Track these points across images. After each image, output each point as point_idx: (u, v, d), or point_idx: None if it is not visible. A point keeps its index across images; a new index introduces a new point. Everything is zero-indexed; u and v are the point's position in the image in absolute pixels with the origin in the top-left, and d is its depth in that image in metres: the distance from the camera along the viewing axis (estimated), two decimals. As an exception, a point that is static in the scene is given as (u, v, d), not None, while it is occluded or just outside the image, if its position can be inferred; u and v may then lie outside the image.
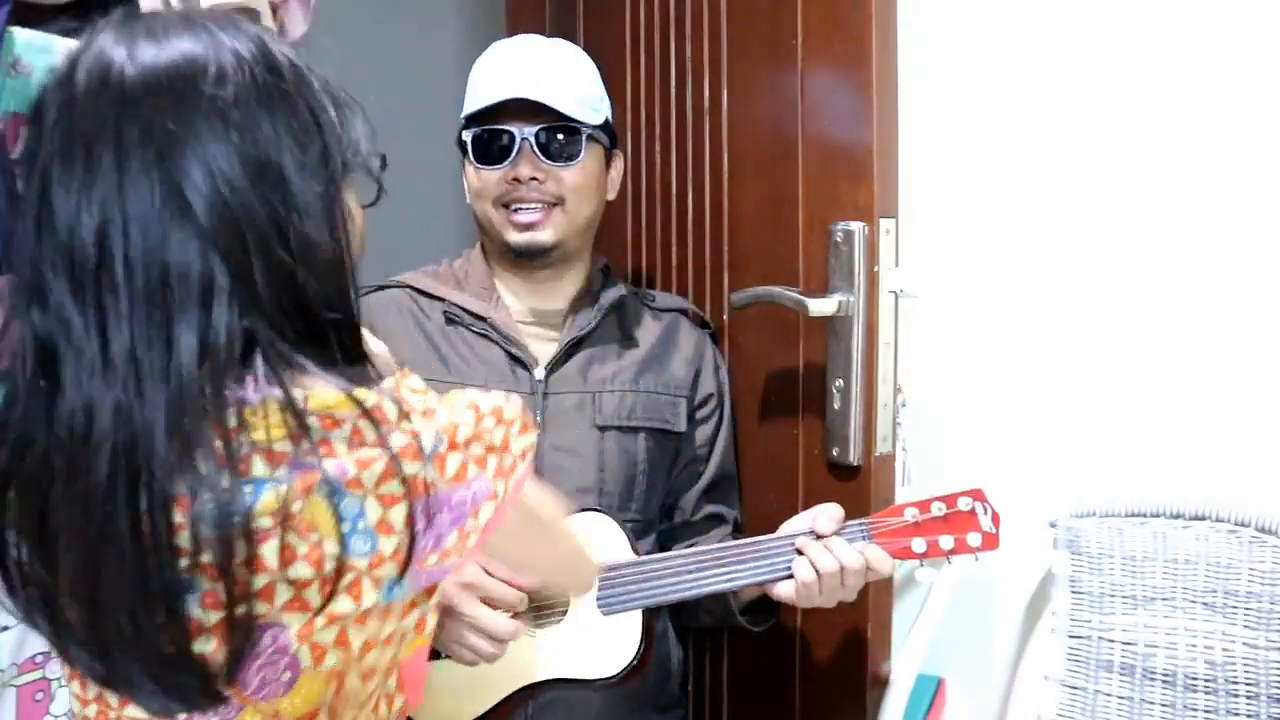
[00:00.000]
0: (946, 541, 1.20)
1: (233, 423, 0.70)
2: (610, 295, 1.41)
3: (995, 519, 1.22)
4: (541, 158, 1.34)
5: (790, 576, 1.20)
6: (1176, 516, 1.18)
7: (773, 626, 1.39)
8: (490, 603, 1.14)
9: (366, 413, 0.72)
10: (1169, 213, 1.20)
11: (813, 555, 1.19)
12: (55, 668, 0.94)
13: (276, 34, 0.81)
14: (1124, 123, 1.22)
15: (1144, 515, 1.20)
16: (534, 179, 1.33)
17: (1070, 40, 1.25)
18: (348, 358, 0.79)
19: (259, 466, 0.71)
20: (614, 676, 1.17)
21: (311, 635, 0.74)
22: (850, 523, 1.22)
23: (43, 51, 0.88)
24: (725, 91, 1.54)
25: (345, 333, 0.79)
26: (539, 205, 1.34)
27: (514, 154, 1.33)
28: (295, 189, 0.74)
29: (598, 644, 1.18)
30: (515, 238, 1.35)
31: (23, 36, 0.87)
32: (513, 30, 1.89)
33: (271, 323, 0.73)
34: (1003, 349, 1.33)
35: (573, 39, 1.79)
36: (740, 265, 1.53)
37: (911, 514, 1.21)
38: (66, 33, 0.86)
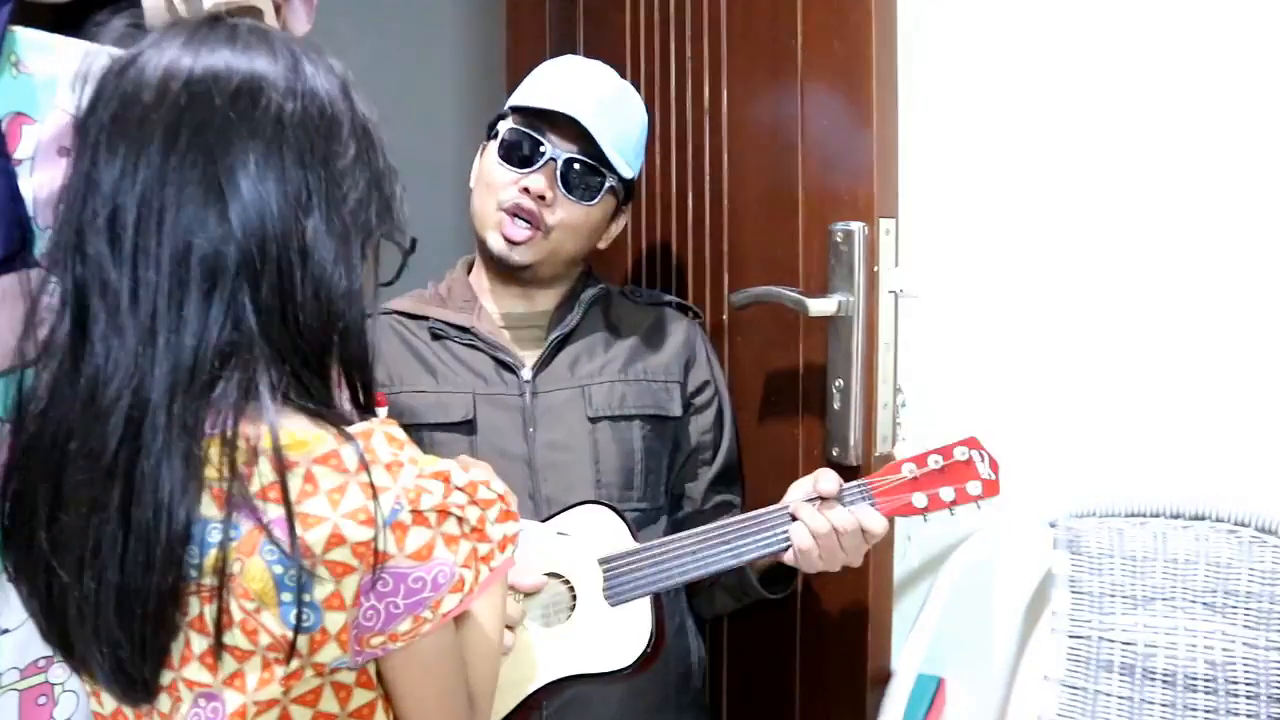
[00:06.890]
0: (947, 493, 1.18)
1: (195, 453, 0.69)
2: (591, 293, 1.42)
3: (994, 465, 1.19)
4: (559, 184, 1.33)
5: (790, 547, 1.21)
6: (1176, 516, 1.18)
7: (773, 627, 1.39)
8: None
9: (322, 458, 0.69)
10: (1168, 213, 1.20)
11: (805, 518, 1.19)
12: (59, 672, 0.93)
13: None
14: (1124, 123, 1.22)
15: (1144, 515, 1.20)
16: (541, 198, 1.33)
17: (1070, 40, 1.26)
18: (356, 403, 0.78)
19: (206, 505, 0.69)
20: (628, 667, 1.17)
21: None
22: (849, 484, 1.21)
23: (44, 51, 0.88)
24: (725, 92, 1.54)
25: (357, 377, 0.78)
26: (529, 225, 1.33)
27: (537, 166, 1.33)
28: (325, 228, 0.74)
29: (608, 636, 1.17)
30: (496, 244, 1.35)
31: (24, 36, 0.87)
32: (512, 30, 1.88)
33: (257, 346, 0.72)
34: (1002, 349, 1.33)
35: (573, 40, 1.80)
36: (740, 265, 1.53)
37: (909, 469, 1.19)
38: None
